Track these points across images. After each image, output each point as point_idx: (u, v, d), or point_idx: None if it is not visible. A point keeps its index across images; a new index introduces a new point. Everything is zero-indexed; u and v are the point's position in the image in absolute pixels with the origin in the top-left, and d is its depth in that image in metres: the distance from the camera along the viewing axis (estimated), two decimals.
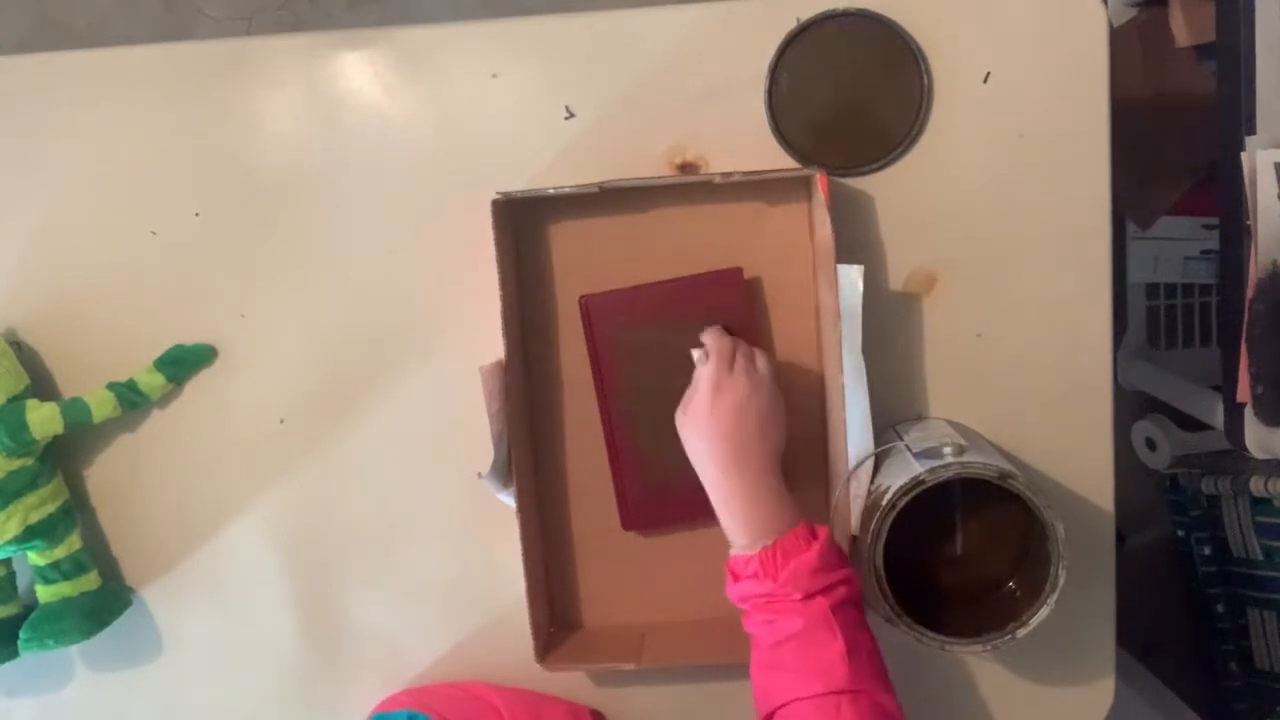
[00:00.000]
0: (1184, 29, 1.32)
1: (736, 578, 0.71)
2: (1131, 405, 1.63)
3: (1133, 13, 1.41)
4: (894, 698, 0.68)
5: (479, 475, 0.79)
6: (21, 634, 0.83)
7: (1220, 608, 1.57)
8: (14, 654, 0.84)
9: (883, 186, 0.83)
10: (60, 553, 0.83)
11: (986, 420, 0.85)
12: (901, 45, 0.81)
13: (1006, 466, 0.72)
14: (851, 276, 0.76)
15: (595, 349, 0.84)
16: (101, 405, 0.83)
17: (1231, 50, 0.93)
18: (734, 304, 0.83)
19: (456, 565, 0.88)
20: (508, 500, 0.80)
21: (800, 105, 0.82)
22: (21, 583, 0.88)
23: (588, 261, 0.84)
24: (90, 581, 0.85)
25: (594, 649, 0.86)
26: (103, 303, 0.86)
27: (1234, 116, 0.93)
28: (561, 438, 0.87)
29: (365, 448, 0.87)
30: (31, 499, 0.81)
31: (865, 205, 0.84)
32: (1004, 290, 0.84)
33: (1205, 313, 1.58)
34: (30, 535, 0.81)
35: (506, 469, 0.80)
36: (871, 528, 0.72)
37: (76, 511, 0.86)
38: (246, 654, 0.90)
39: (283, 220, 0.85)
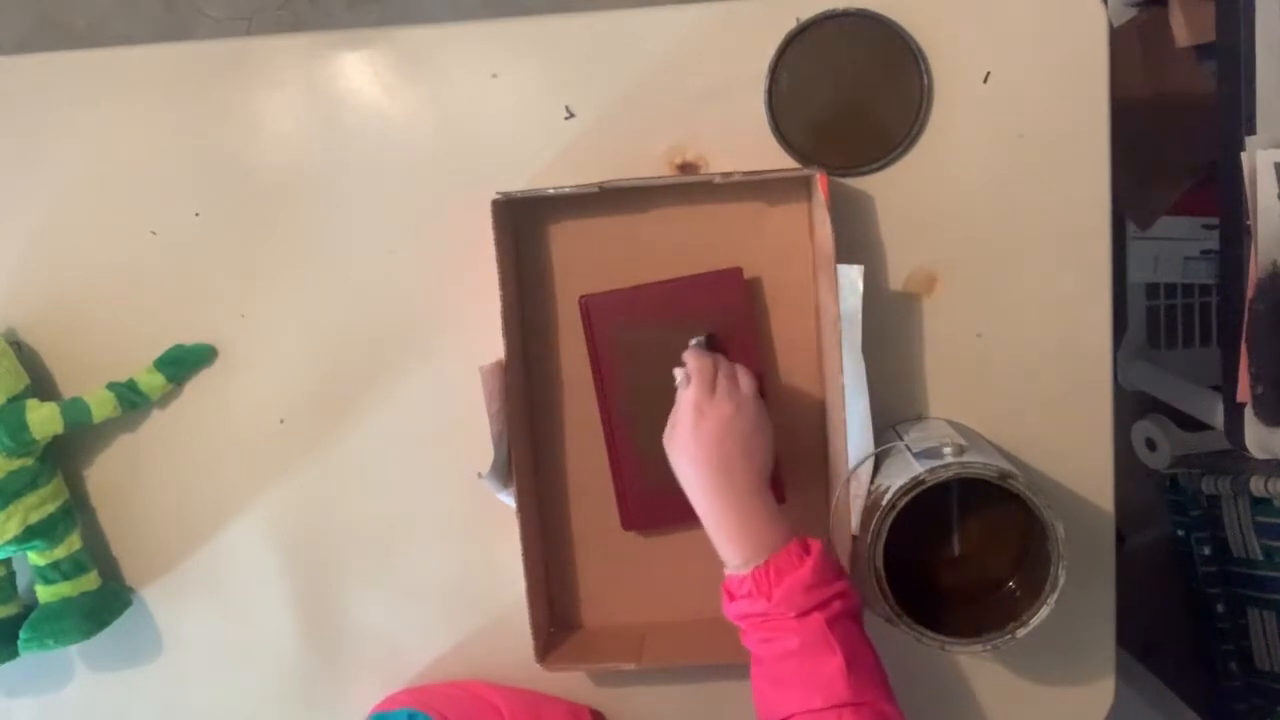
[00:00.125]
0: (1184, 29, 1.32)
1: (732, 597, 0.71)
2: (1131, 405, 1.62)
3: (1133, 13, 1.41)
4: (896, 705, 0.68)
5: (479, 475, 0.79)
6: (21, 634, 0.83)
7: (1220, 608, 1.57)
8: (14, 654, 0.84)
9: (883, 186, 0.83)
10: (60, 553, 0.83)
11: (986, 420, 0.85)
12: (901, 45, 0.81)
13: (1006, 466, 0.72)
14: (851, 276, 0.76)
15: (595, 349, 0.84)
16: (101, 405, 0.83)
17: (1231, 50, 0.93)
18: (734, 304, 0.83)
19: (456, 565, 0.88)
20: (508, 500, 0.80)
21: (800, 105, 0.82)
22: (21, 583, 0.88)
23: (588, 261, 0.84)
24: (90, 581, 0.85)
25: (594, 649, 0.86)
26: (103, 303, 0.86)
27: (1234, 116, 0.92)
28: (561, 438, 0.87)
29: (365, 448, 0.87)
30: (31, 499, 0.81)
31: (865, 205, 0.84)
32: (1004, 290, 0.84)
33: (1205, 313, 1.58)
34: (30, 535, 0.81)
35: (506, 469, 0.80)
36: (871, 528, 0.72)
37: (76, 511, 0.86)
38: (246, 654, 0.90)
39: (283, 220, 0.85)
